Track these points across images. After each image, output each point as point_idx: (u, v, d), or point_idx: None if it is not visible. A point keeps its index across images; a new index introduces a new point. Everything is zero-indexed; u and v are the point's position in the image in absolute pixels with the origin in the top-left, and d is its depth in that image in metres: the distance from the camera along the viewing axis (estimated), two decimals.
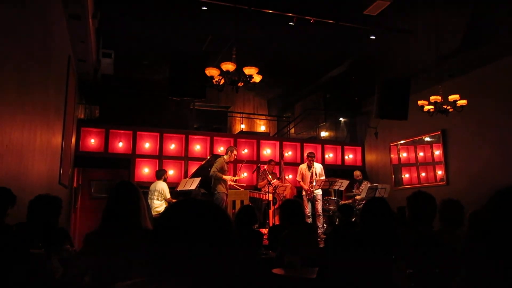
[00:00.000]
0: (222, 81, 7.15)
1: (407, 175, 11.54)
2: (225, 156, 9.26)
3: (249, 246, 4.78)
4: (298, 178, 10.22)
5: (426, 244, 3.09)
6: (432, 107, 8.60)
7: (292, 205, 4.93)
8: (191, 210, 1.30)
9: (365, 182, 10.83)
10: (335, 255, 2.83)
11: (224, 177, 9.29)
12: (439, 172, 10.44)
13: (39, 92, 5.03)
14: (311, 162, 10.03)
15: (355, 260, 2.77)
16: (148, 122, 11.50)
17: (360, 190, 10.63)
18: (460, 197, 3.82)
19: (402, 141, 11.58)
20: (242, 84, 7.22)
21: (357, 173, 11.07)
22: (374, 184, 10.39)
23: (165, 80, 7.83)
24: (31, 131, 4.77)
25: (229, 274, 1.26)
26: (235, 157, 9.52)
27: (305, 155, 10.96)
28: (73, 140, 9.50)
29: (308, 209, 9.82)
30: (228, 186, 9.22)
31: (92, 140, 10.55)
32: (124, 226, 2.76)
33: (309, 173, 9.97)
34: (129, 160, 10.68)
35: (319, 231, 9.47)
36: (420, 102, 8.66)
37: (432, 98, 8.56)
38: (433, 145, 10.70)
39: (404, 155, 11.67)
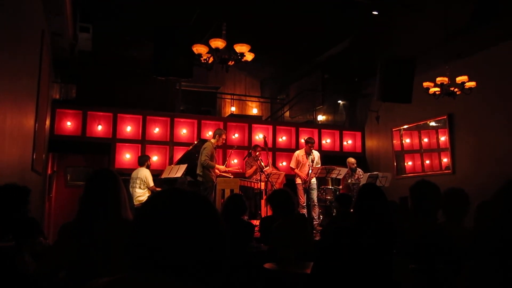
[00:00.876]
0: (211, 59, 7.10)
1: (410, 163, 11.60)
2: (212, 140, 9.23)
3: (239, 238, 4.79)
4: (293, 165, 10.20)
5: (430, 238, 3.10)
6: (438, 89, 8.61)
7: (281, 195, 4.94)
8: (176, 201, 1.29)
9: (359, 171, 10.76)
10: (331, 250, 2.83)
11: (217, 166, 9.27)
12: (445, 160, 10.50)
13: (7, 70, 4.95)
14: (311, 148, 10.01)
15: (352, 255, 2.78)
16: (130, 103, 11.43)
17: (354, 179, 10.63)
18: (467, 187, 3.83)
19: (405, 126, 11.61)
20: (233, 62, 7.18)
21: (351, 160, 10.97)
22: (375, 173, 10.44)
23: (149, 58, 7.77)
24: None
25: (216, 269, 1.25)
26: (224, 141, 9.49)
27: (302, 140, 10.96)
28: (48, 122, 9.41)
29: (303, 199, 9.85)
30: (216, 174, 9.21)
31: (68, 123, 10.48)
32: (103, 217, 2.76)
33: (308, 161, 9.96)
34: (109, 145, 10.64)
35: (314, 222, 9.51)
36: (425, 84, 8.67)
37: (439, 79, 8.56)
38: (439, 130, 10.75)
39: (407, 141, 11.72)
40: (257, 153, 10.02)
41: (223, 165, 9.92)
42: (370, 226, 2.96)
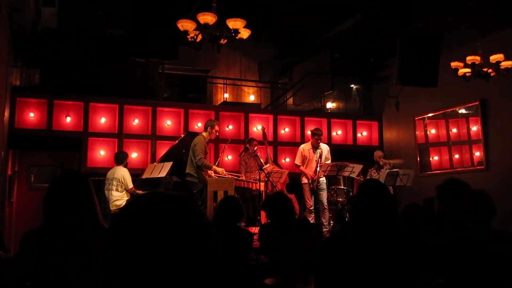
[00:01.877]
0: (200, 37, 7.07)
1: (436, 158, 11.61)
2: (204, 134, 9.22)
3: (234, 249, 4.79)
4: (298, 161, 10.18)
5: (461, 246, 3.09)
6: (469, 70, 8.60)
7: (275, 200, 4.95)
8: (158, 206, 1.29)
9: (387, 167, 10.78)
10: (330, 263, 2.83)
11: (215, 168, 9.26)
12: (477, 154, 10.51)
13: None
14: (318, 141, 9.99)
15: (355, 269, 2.77)
16: (104, 90, 11.40)
17: (378, 175, 10.65)
18: (503, 186, 3.84)
19: (430, 114, 11.61)
20: (226, 41, 7.15)
21: (379, 153, 11.05)
22: (394, 169, 10.43)
23: (127, 36, 7.75)
24: None
25: (205, 286, 1.25)
26: (217, 133, 9.48)
27: (309, 132, 10.94)
28: (6, 114, 9.38)
29: (310, 202, 9.85)
30: (211, 175, 9.21)
31: (31, 114, 10.45)
32: (73, 224, 2.77)
33: (315, 156, 9.94)
34: (79, 140, 10.62)
35: (324, 229, 9.53)
36: (453, 64, 8.65)
37: (469, 58, 8.55)
38: (470, 119, 10.75)
39: (432, 132, 11.72)
40: (255, 148, 10.01)
41: (214, 163, 9.89)
42: (375, 233, 2.94)
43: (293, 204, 4.95)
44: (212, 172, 9.25)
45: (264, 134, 11.00)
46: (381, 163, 10.94)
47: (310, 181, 9.89)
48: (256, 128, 12.08)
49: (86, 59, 11.91)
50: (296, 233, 4.72)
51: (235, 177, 9.72)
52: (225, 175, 9.46)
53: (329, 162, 10.03)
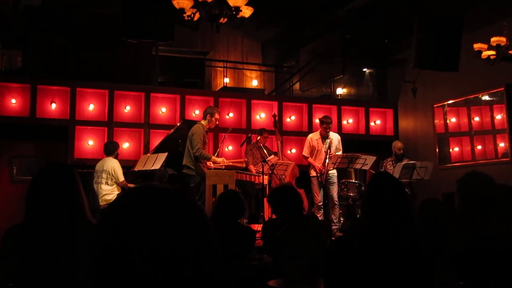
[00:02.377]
0: (197, 15, 7.05)
1: (456, 149, 11.60)
2: (203, 122, 9.21)
3: (235, 248, 4.80)
4: (306, 153, 10.15)
5: (483, 246, 3.09)
6: (493, 52, 8.57)
7: (283, 193, 4.95)
8: (151, 201, 1.29)
9: (405, 160, 10.74)
10: (338, 266, 2.83)
11: (214, 158, 9.25)
12: (502, 145, 10.50)
13: None
14: (327, 130, 9.97)
15: (367, 272, 2.77)
16: (93, 74, 11.40)
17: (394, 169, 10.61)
18: None
19: (451, 101, 11.59)
20: (226, 20, 7.12)
21: (398, 144, 11.03)
22: (411, 162, 10.42)
23: (117, 15, 7.73)
24: None
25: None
26: (217, 122, 9.47)
27: (317, 120, 10.92)
28: None
29: (319, 197, 9.83)
30: (210, 167, 9.21)
31: (13, 101, 10.46)
32: (58, 220, 2.78)
33: (324, 146, 9.93)
34: (66, 129, 10.63)
35: (333, 227, 9.53)
36: (476, 46, 8.62)
37: (494, 40, 8.52)
38: (494, 106, 10.73)
39: (452, 120, 11.71)
40: (265, 140, 10.07)
41: (213, 154, 9.89)
42: (388, 231, 2.93)
43: (302, 199, 4.95)
44: (211, 163, 9.24)
45: (275, 122, 10.95)
46: (400, 154, 10.85)
47: (318, 174, 9.87)
48: (260, 116, 12.07)
49: (73, 40, 11.89)
50: (304, 231, 4.73)
51: (238, 165, 9.74)
52: (226, 164, 9.44)
53: (340, 153, 10.00)
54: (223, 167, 9.52)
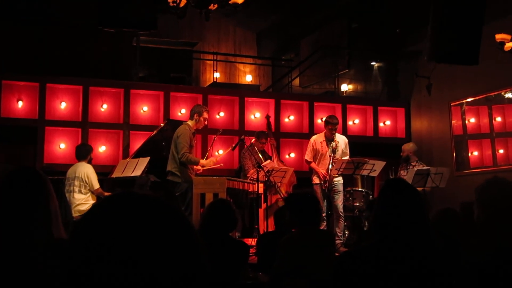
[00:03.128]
0: (184, 1, 7.06)
1: (476, 153, 11.63)
2: (189, 122, 9.22)
3: (226, 265, 4.80)
4: (308, 157, 10.13)
5: (505, 262, 3.10)
6: None
7: (308, 200, 4.98)
8: (130, 210, 1.28)
9: (418, 165, 10.75)
10: (360, 281, 2.83)
11: (202, 161, 9.25)
12: None
13: None
14: (332, 132, 9.97)
15: None
16: (65, 68, 11.39)
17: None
18: None
19: (470, 99, 11.62)
20: (216, 6, 7.13)
21: (408, 146, 11.04)
22: (425, 167, 10.44)
23: (93, 1, 7.73)
24: None
25: None
26: (206, 122, 9.48)
27: (318, 120, 10.93)
28: None
29: (322, 207, 9.82)
30: (195, 171, 9.22)
31: None
32: (24, 235, 2.76)
33: (329, 150, 9.92)
34: (34, 130, 10.62)
35: (337, 241, 9.52)
36: (498, 37, 8.65)
37: None
38: None
39: (472, 120, 11.74)
40: (262, 145, 10.09)
41: (202, 158, 9.88)
42: (402, 246, 2.95)
43: (322, 210, 5.01)
44: (200, 167, 9.25)
45: (268, 124, 10.98)
46: (410, 160, 10.87)
47: (322, 182, 9.86)
48: (254, 116, 12.07)
49: (42, 30, 11.88)
50: (313, 243, 4.75)
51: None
52: (216, 165, 9.46)
53: (347, 158, 10.01)
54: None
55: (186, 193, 8.91)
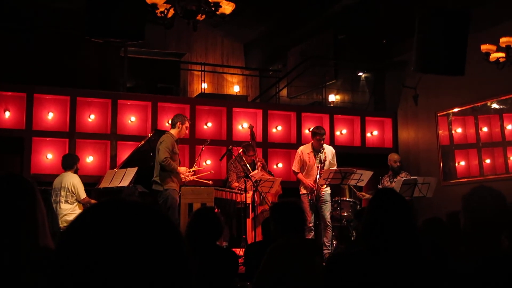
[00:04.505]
0: (172, 12, 7.06)
1: (463, 163, 11.66)
2: (172, 131, 9.24)
3: (214, 275, 4.78)
4: (295, 168, 10.17)
5: (493, 270, 3.10)
6: (503, 54, 8.63)
7: (292, 209, 4.97)
8: (118, 218, 1.27)
9: (403, 174, 10.82)
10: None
11: (179, 168, 9.24)
12: None
13: None
14: (320, 143, 9.98)
15: None
16: (52, 78, 11.36)
17: (392, 184, 10.66)
18: None
19: (456, 109, 11.66)
20: (204, 17, 7.14)
21: (394, 156, 11.06)
22: (412, 177, 10.46)
23: (81, 11, 7.72)
24: None
25: None
26: (187, 130, 9.51)
27: (306, 131, 10.93)
28: None
29: (309, 218, 9.80)
30: (181, 181, 9.20)
31: None
32: (10, 244, 2.73)
33: (316, 161, 9.93)
34: (21, 140, 10.56)
35: (325, 251, 9.52)
36: (484, 47, 8.68)
37: (504, 40, 8.59)
38: (504, 115, 10.81)
39: (458, 131, 11.78)
40: (250, 158, 10.05)
41: (190, 168, 9.86)
42: (391, 254, 2.95)
43: (305, 216, 4.99)
44: (186, 177, 9.24)
45: (252, 134, 10.98)
46: (396, 167, 10.90)
47: (309, 192, 9.87)
48: (242, 126, 12.07)
49: (29, 39, 11.84)
50: (299, 253, 4.73)
51: (205, 177, 9.69)
52: (189, 174, 9.43)
53: (334, 168, 10.02)
54: (191, 179, 9.49)
55: (166, 201, 8.89)
